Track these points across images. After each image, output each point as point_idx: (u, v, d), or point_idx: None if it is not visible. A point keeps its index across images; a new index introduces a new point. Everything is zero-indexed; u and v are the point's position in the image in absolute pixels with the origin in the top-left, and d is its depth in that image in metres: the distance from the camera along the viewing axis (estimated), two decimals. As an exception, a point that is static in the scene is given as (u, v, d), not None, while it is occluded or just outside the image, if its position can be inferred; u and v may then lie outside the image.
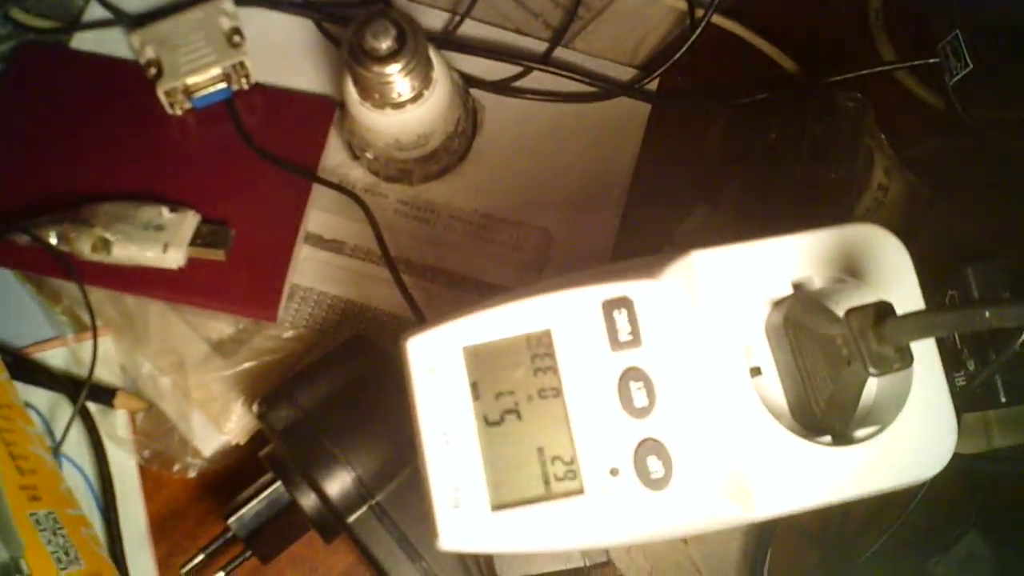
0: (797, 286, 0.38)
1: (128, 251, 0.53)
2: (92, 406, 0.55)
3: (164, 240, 0.54)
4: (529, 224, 0.58)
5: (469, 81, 0.60)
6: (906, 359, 0.33)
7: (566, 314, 0.37)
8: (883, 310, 0.32)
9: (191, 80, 0.57)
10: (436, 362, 0.37)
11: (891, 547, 0.56)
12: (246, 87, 0.59)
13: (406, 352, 0.37)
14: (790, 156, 0.57)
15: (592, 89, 0.61)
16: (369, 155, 0.57)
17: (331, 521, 0.49)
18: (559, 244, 0.58)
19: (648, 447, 0.36)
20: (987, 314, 0.28)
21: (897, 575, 0.58)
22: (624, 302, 0.36)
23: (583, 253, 0.58)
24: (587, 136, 0.60)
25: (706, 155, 0.62)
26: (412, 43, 0.49)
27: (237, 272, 0.55)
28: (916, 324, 0.31)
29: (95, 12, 0.62)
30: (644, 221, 0.60)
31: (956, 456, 0.48)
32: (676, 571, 0.55)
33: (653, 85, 0.62)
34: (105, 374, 0.55)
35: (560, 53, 0.62)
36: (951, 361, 0.42)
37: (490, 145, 0.60)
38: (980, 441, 0.54)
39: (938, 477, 0.55)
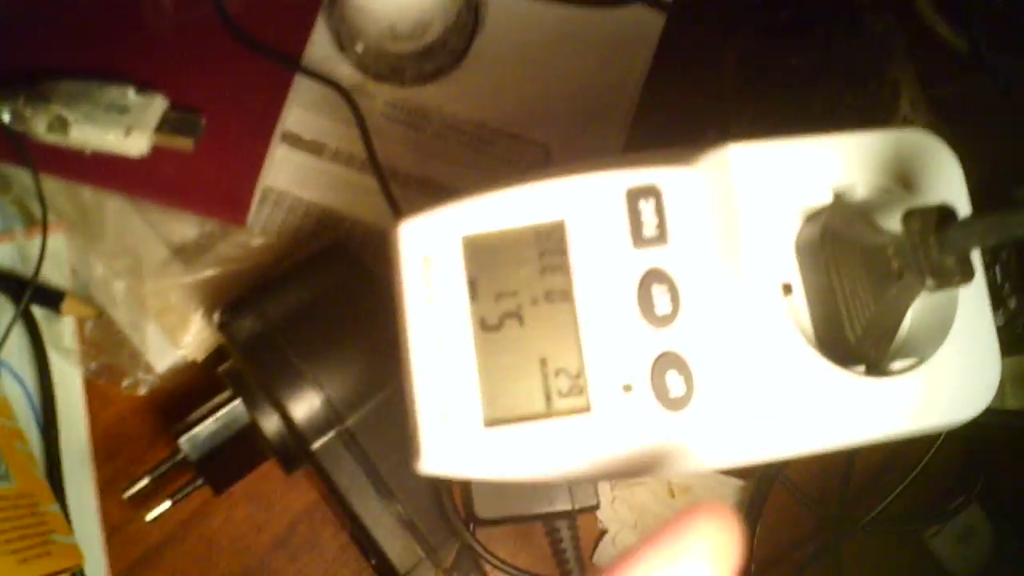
0: (839, 195, 0.34)
1: (87, 133, 0.48)
2: (37, 310, 0.50)
3: (127, 123, 0.49)
4: (527, 138, 0.54)
5: (474, -27, 0.55)
6: (968, 272, 0.28)
7: (584, 203, 0.32)
8: (947, 213, 0.28)
9: (166, -49, 0.52)
10: (431, 252, 0.32)
11: (889, 516, 0.53)
12: (227, -35, 0.53)
13: (398, 237, 0.32)
14: (810, 83, 0.53)
15: (604, -6, 0.56)
16: (359, 48, 0.52)
17: (294, 447, 0.45)
18: (557, 161, 0.54)
19: (668, 360, 0.31)
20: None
21: (893, 544, 0.56)
22: (652, 191, 0.32)
23: (583, 173, 0.54)
24: (595, 45, 0.55)
25: (721, 77, 0.57)
26: (413, -84, 0.44)
27: (205, 168, 0.50)
28: (984, 226, 0.27)
29: None
30: (648, 145, 0.56)
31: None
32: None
33: (669, -4, 0.57)
34: (54, 275, 0.51)
35: (572, -46, 0.57)
36: (993, 297, 0.37)
37: (490, 47, 0.55)
38: (993, 399, 0.50)
39: (943, 445, 0.53)
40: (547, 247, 0.32)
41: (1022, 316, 0.38)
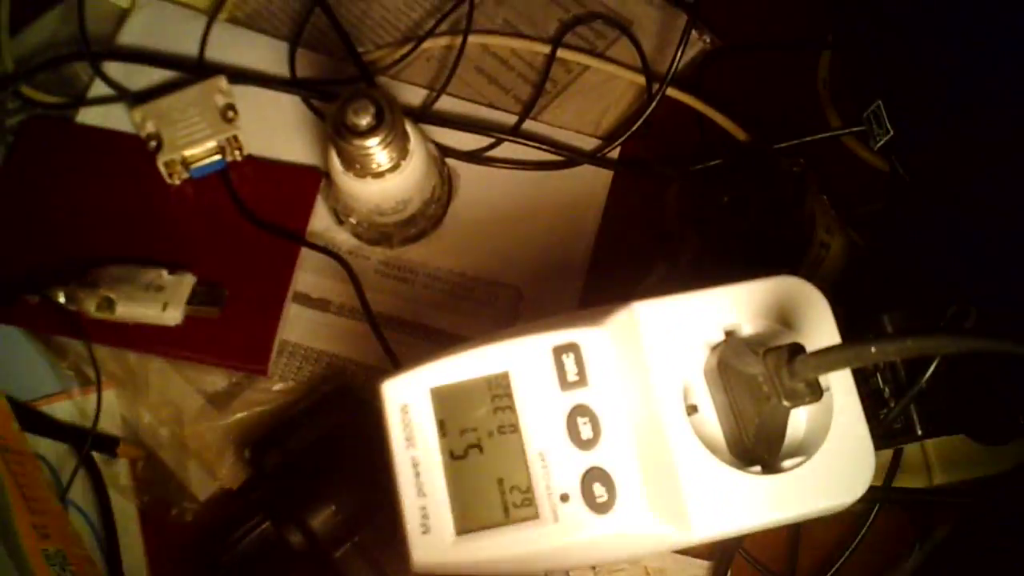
0: (729, 332, 0.43)
1: (130, 310, 0.58)
2: (96, 455, 0.59)
3: (163, 300, 0.58)
4: (501, 283, 0.63)
5: (445, 151, 0.65)
6: (816, 392, 0.37)
7: (521, 358, 0.42)
8: (794, 349, 0.37)
9: (189, 152, 0.63)
10: (408, 402, 0.42)
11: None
12: (239, 158, 0.64)
13: (382, 393, 0.42)
14: (740, 217, 0.62)
15: (559, 158, 0.66)
16: (352, 220, 0.62)
17: (318, 557, 0.53)
18: (528, 301, 0.63)
19: (594, 475, 0.40)
20: (872, 349, 0.33)
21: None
22: (572, 347, 0.41)
23: (551, 308, 0.63)
24: (554, 201, 0.65)
25: (664, 217, 0.66)
26: (390, 118, 0.54)
27: (231, 329, 0.60)
28: (819, 361, 0.36)
29: (100, 89, 0.67)
30: (608, 278, 0.65)
31: (909, 490, 0.53)
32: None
33: (615, 153, 0.67)
34: (108, 425, 0.60)
35: (529, 125, 0.67)
36: (876, 399, 0.46)
37: (465, 210, 0.65)
38: (922, 478, 0.58)
39: (883, 515, 0.60)
40: (497, 392, 0.41)
41: (901, 414, 0.46)
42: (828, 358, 0.36)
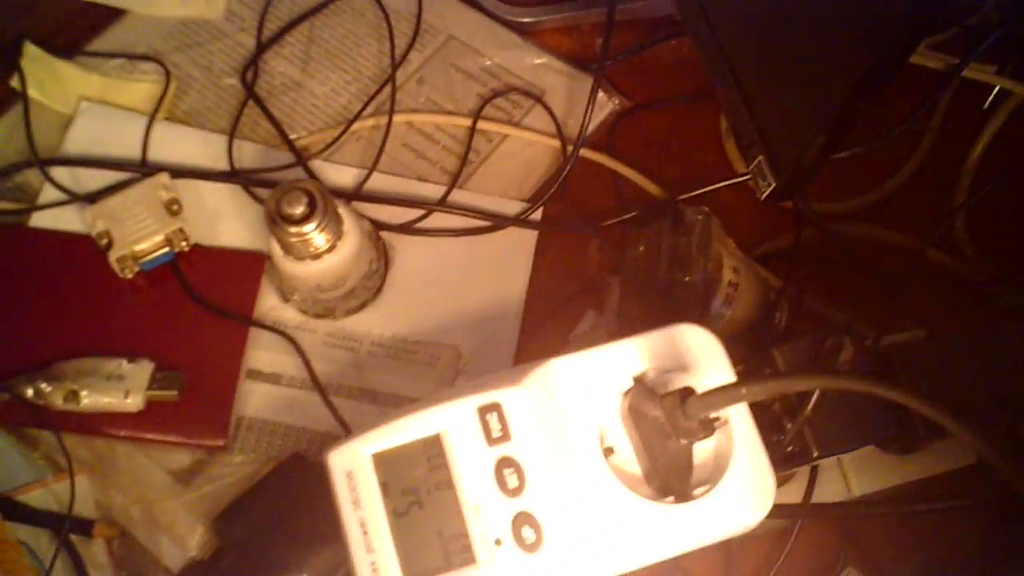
0: (637, 379, 0.48)
1: (95, 400, 0.62)
2: (74, 537, 0.62)
3: (125, 388, 0.63)
4: (441, 343, 0.68)
5: (379, 225, 0.70)
6: (708, 429, 0.43)
7: (451, 420, 0.46)
8: (685, 393, 0.42)
9: (138, 247, 0.67)
10: (352, 468, 0.46)
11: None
12: (186, 249, 0.68)
13: (328, 462, 0.46)
14: (654, 265, 0.67)
15: (486, 223, 0.71)
16: (297, 297, 0.67)
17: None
18: (468, 358, 0.68)
19: (522, 519, 0.45)
20: (743, 390, 0.38)
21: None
22: (495, 407, 0.46)
23: (490, 363, 0.68)
24: (485, 263, 0.71)
25: (588, 269, 0.72)
26: (322, 205, 0.59)
27: (190, 409, 0.64)
28: (705, 402, 0.41)
29: (50, 194, 0.71)
30: (542, 330, 0.70)
31: (824, 505, 0.58)
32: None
33: (538, 214, 0.72)
34: (83, 508, 0.63)
35: (456, 195, 0.73)
36: (774, 426, 0.51)
37: (402, 278, 0.70)
38: (840, 490, 0.63)
39: (814, 526, 0.65)
40: (431, 452, 0.46)
41: (795, 439, 0.51)
42: (710, 399, 0.41)
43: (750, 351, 0.57)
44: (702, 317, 0.65)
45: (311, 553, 0.57)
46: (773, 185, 0.56)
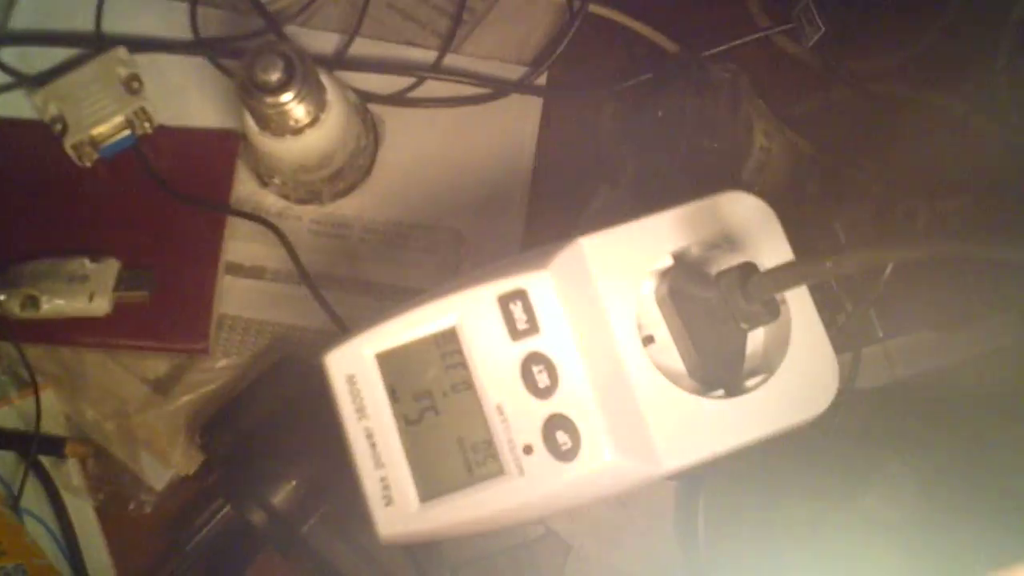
0: (676, 256, 0.41)
1: (56, 305, 0.55)
2: (44, 459, 0.57)
3: (89, 290, 0.56)
4: (440, 227, 0.61)
5: (366, 97, 0.63)
6: (773, 312, 0.36)
7: (467, 311, 0.40)
8: (747, 270, 0.36)
9: (96, 131, 0.59)
10: (354, 371, 0.40)
11: (816, 480, 0.59)
12: (150, 131, 0.61)
13: (326, 365, 0.40)
14: (676, 131, 0.60)
15: (485, 90, 0.64)
16: (277, 181, 0.60)
17: (284, 534, 0.52)
18: (471, 242, 0.61)
19: (555, 422, 0.39)
20: (828, 264, 0.32)
21: (826, 507, 0.62)
22: (518, 294, 0.39)
23: (495, 248, 0.61)
24: (486, 136, 0.63)
25: (600, 139, 0.65)
26: (301, 71, 0.51)
27: (164, 311, 0.57)
28: (774, 280, 0.35)
29: (-3, 77, 0.63)
30: (551, 209, 0.63)
31: (864, 391, 0.52)
32: (618, 532, 0.58)
33: (542, 79, 0.65)
34: (51, 426, 0.57)
35: (450, 60, 0.65)
36: (832, 304, 0.45)
37: (394, 156, 0.62)
38: (884, 374, 0.58)
39: (851, 410, 0.60)
40: (446, 349, 0.40)
41: (853, 315, 0.45)
42: (783, 277, 0.34)
43: (792, 226, 0.50)
44: (733, 186, 0.59)
45: (310, 464, 0.51)
46: (822, 30, 0.49)
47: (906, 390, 0.57)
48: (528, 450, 0.38)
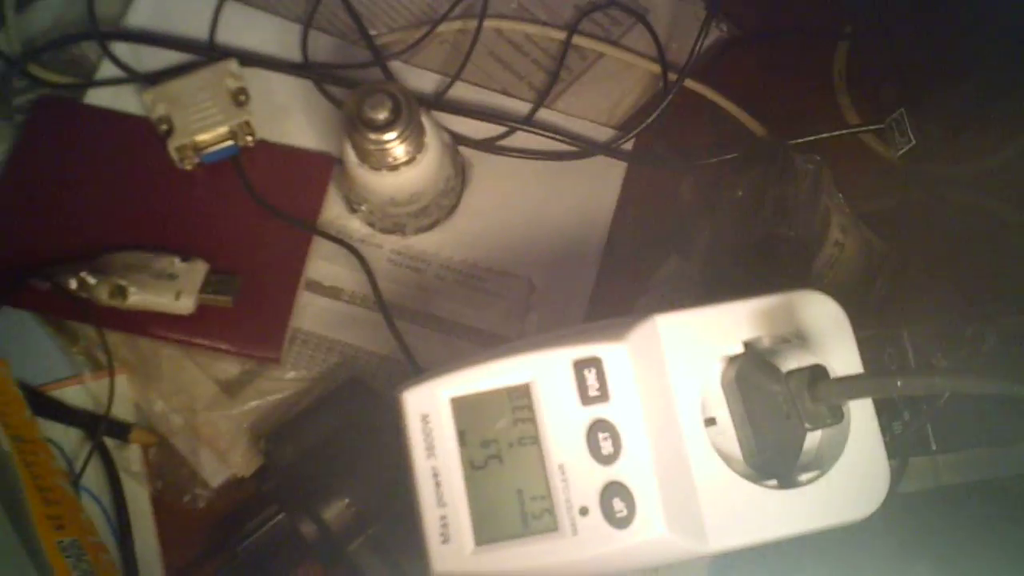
0: (748, 345, 0.43)
1: (142, 298, 0.58)
2: (108, 441, 0.59)
3: (176, 288, 0.58)
4: (513, 274, 0.63)
5: (458, 139, 0.65)
6: (837, 416, 0.38)
7: (543, 370, 0.42)
8: (817, 374, 0.37)
9: (200, 137, 0.62)
10: (428, 411, 0.42)
11: (847, 572, 0.60)
12: (251, 144, 0.63)
13: (402, 403, 0.42)
14: (754, 213, 0.61)
15: (572, 148, 0.66)
16: (365, 208, 0.62)
17: (331, 549, 0.54)
18: (541, 292, 0.63)
19: (613, 489, 0.40)
20: (899, 383, 0.33)
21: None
22: (594, 361, 0.41)
23: (563, 301, 0.63)
24: (568, 192, 0.65)
25: (678, 210, 0.66)
26: (407, 113, 0.54)
27: (243, 317, 0.60)
28: (843, 388, 0.36)
29: (108, 70, 0.66)
30: (622, 271, 0.65)
31: (906, 495, 0.53)
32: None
33: (629, 144, 0.67)
34: (120, 411, 0.59)
35: (543, 113, 0.67)
36: (890, 411, 0.46)
37: (478, 200, 0.65)
38: (928, 479, 0.59)
39: (891, 514, 0.60)
40: (517, 403, 0.42)
41: (913, 427, 0.47)
42: (852, 387, 0.36)
43: (857, 323, 0.51)
44: (803, 277, 0.60)
45: (364, 486, 0.53)
46: (912, 143, 0.50)
47: (947, 498, 0.58)
48: (584, 512, 0.40)
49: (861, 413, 0.43)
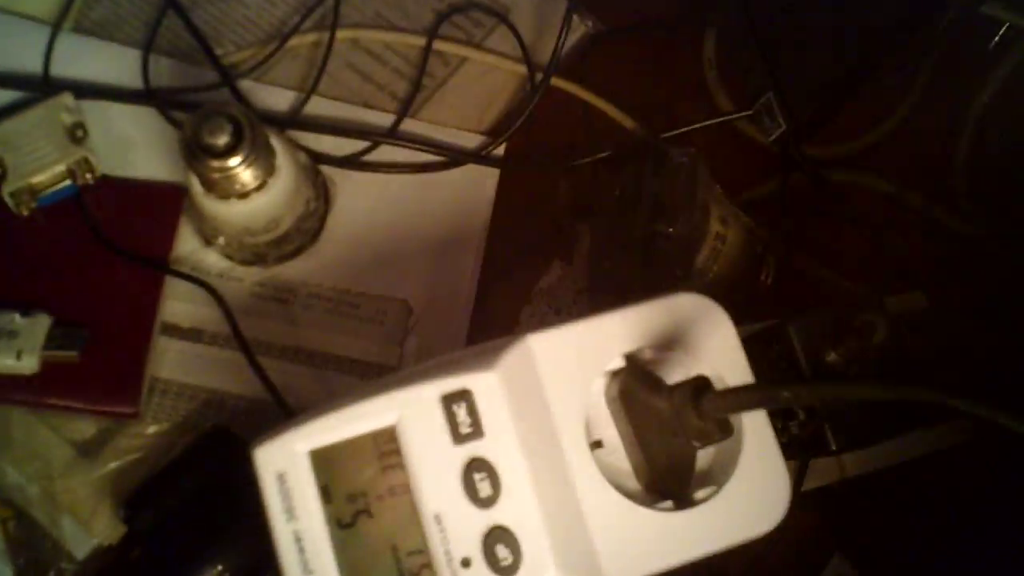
0: (629, 357, 0.40)
1: (-21, 363, 0.53)
2: (-40, 519, 0.54)
3: (17, 347, 0.53)
4: (388, 296, 0.60)
5: (318, 158, 0.61)
6: (726, 430, 0.35)
7: (408, 410, 0.38)
8: (700, 387, 0.35)
9: (36, 179, 0.57)
10: (284, 468, 0.38)
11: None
12: (92, 182, 0.58)
13: (254, 461, 0.38)
14: (632, 212, 0.59)
15: (441, 158, 0.62)
16: (221, 241, 0.58)
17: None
18: (419, 314, 0.60)
19: (496, 535, 0.37)
20: (785, 394, 0.31)
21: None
22: (463, 394, 0.38)
23: (444, 321, 0.60)
24: (439, 204, 0.62)
25: (556, 214, 0.64)
26: (250, 135, 0.50)
27: (94, 370, 0.55)
28: (728, 402, 0.33)
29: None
30: (503, 282, 0.62)
31: (812, 492, 0.51)
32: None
33: (500, 150, 0.63)
34: (-30, 487, 0.54)
35: (408, 124, 0.63)
36: (785, 413, 0.44)
37: (344, 220, 0.61)
38: (834, 471, 0.57)
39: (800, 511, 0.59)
40: (384, 449, 0.38)
41: (807, 426, 0.44)
42: (737, 400, 0.33)
43: (744, 316, 0.49)
44: (685, 273, 0.58)
45: (235, 546, 0.49)
46: (783, 128, 0.48)
47: (853, 487, 0.57)
48: (466, 563, 0.37)
49: (754, 422, 0.40)
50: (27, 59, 0.62)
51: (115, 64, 0.63)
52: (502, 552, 0.37)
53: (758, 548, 0.56)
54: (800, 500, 0.53)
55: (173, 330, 0.58)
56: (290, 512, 0.37)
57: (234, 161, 0.50)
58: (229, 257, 0.59)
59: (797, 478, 0.51)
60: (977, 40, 0.63)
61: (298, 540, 0.37)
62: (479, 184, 0.63)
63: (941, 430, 0.53)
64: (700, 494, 0.40)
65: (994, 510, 0.56)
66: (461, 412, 0.38)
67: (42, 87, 0.61)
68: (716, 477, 0.40)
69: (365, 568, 0.37)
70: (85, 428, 0.56)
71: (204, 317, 0.58)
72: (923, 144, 0.66)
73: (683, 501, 0.40)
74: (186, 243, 0.59)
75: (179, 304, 0.58)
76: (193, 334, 0.58)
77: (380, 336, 0.59)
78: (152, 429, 0.56)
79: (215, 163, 0.50)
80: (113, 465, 0.55)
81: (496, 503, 0.37)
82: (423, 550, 0.37)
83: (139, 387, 0.56)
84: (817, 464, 0.54)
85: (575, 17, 0.65)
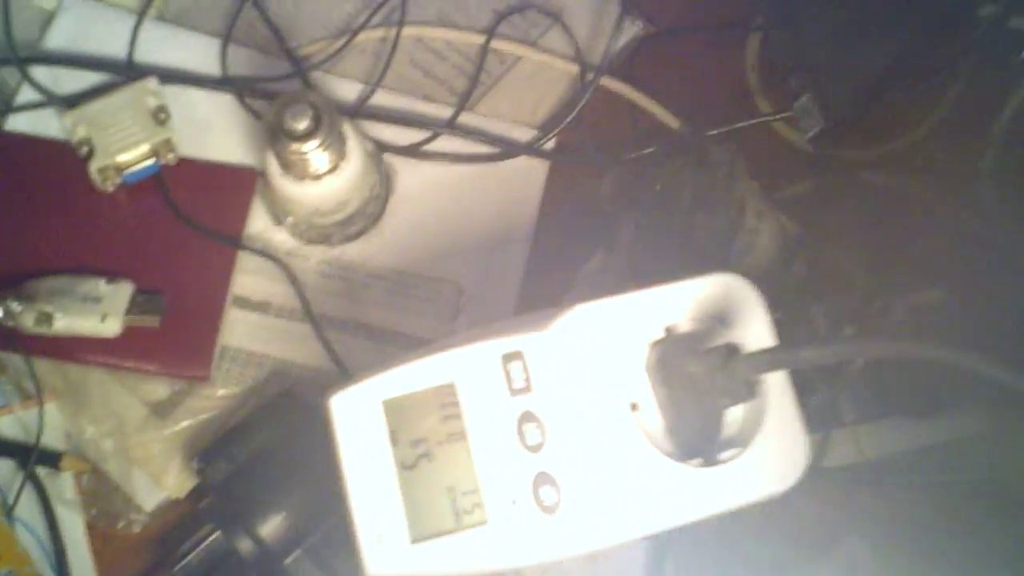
0: (668, 330, 0.44)
1: (69, 323, 0.57)
2: (40, 470, 0.58)
3: (102, 311, 0.58)
4: (441, 278, 0.64)
5: (382, 147, 0.65)
6: (752, 391, 0.39)
7: (468, 367, 0.42)
8: (730, 351, 0.38)
9: (121, 158, 0.62)
10: (359, 415, 0.42)
11: (777, 551, 0.61)
12: (173, 162, 0.63)
13: (330, 407, 0.42)
14: (673, 205, 0.63)
15: (495, 150, 0.66)
16: (291, 220, 0.62)
17: (268, 564, 0.53)
18: (469, 295, 0.63)
19: (542, 479, 0.41)
20: (804, 353, 0.34)
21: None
22: (518, 355, 0.42)
23: (492, 302, 0.63)
24: (492, 193, 0.66)
25: (600, 205, 0.67)
26: (327, 122, 0.54)
27: (171, 337, 0.59)
28: (755, 362, 0.37)
29: (27, 95, 0.65)
30: (548, 268, 0.66)
31: (830, 470, 0.54)
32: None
33: (551, 144, 0.67)
34: (51, 439, 0.59)
35: (465, 117, 0.68)
36: (807, 386, 0.48)
37: (403, 206, 0.65)
38: (852, 452, 0.60)
39: (816, 485, 0.62)
40: (445, 401, 0.42)
41: (824, 399, 0.48)
42: (762, 361, 0.37)
43: (775, 305, 0.53)
44: (722, 263, 0.62)
45: (299, 498, 0.53)
46: (821, 126, 0.52)
47: (872, 470, 0.60)
48: (514, 503, 0.41)
49: (778, 388, 0.44)
50: (114, 45, 0.67)
51: (195, 52, 0.67)
52: (547, 494, 0.41)
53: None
54: (820, 479, 0.57)
55: (243, 302, 0.62)
56: (361, 454, 0.41)
57: (312, 144, 0.54)
58: (297, 236, 0.63)
59: (819, 451, 0.54)
60: (1006, 52, 0.66)
61: (367, 478, 0.41)
62: (530, 175, 0.67)
63: (958, 418, 0.56)
64: (726, 454, 0.44)
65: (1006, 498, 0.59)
66: (516, 370, 0.42)
67: (128, 71, 0.66)
68: (740, 440, 0.44)
69: (424, 504, 0.41)
70: (159, 389, 0.60)
71: (272, 291, 0.62)
72: (953, 149, 0.69)
73: (710, 459, 0.43)
74: (258, 222, 0.64)
75: (250, 278, 0.63)
76: (262, 306, 0.62)
77: (433, 315, 0.63)
78: (221, 392, 0.60)
79: (295, 146, 0.54)
80: (184, 424, 0.59)
81: (542, 450, 0.41)
82: (476, 490, 0.41)
83: (211, 353, 0.60)
84: (836, 445, 0.58)
85: (626, 19, 0.69)
